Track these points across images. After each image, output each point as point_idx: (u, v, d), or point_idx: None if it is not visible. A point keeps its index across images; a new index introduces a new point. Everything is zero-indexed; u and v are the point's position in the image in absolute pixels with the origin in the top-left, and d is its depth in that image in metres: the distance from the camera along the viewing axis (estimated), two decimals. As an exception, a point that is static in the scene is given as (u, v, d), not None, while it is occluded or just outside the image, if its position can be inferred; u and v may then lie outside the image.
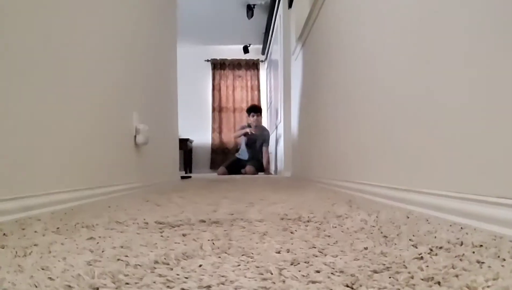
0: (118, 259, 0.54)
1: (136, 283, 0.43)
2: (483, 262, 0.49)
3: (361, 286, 0.41)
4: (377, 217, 0.92)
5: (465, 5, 0.86)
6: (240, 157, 5.66)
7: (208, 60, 7.17)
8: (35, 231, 0.77)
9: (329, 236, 0.71)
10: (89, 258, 0.55)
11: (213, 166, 6.84)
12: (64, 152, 1.26)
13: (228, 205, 1.27)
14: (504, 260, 0.50)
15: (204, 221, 0.88)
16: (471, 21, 0.84)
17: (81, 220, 0.89)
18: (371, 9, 1.51)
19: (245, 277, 0.45)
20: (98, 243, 0.66)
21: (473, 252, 0.55)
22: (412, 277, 0.44)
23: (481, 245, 0.59)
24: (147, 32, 2.32)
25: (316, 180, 2.63)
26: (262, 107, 7.13)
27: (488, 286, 0.39)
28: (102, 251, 0.59)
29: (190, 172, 6.54)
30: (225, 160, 6.17)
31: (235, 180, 3.42)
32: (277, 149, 5.55)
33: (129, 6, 1.97)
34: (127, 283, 0.43)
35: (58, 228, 0.81)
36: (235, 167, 5.55)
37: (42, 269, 0.49)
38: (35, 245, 0.64)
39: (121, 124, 1.81)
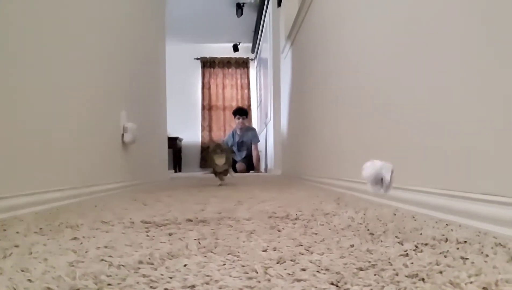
0: (102, 260, 0.53)
1: (118, 283, 0.42)
2: (466, 258, 0.50)
3: (346, 283, 0.41)
4: (364, 214, 0.92)
5: (445, 13, 0.87)
6: (235, 158, 5.65)
7: (197, 58, 7.13)
8: (17, 232, 0.76)
9: (316, 233, 0.71)
10: (71, 259, 0.54)
11: (203, 165, 6.81)
12: (49, 151, 1.24)
13: (216, 203, 1.27)
14: (487, 256, 0.51)
15: (191, 220, 0.87)
16: (450, 29, 0.84)
17: (65, 220, 0.88)
18: (352, 11, 1.51)
19: (230, 276, 0.45)
20: (81, 243, 0.65)
21: (457, 249, 0.55)
22: (397, 274, 0.44)
23: (465, 241, 0.60)
24: (135, 30, 2.30)
25: (306, 178, 2.63)
26: (251, 105, 7.14)
27: (470, 282, 0.40)
28: (86, 252, 0.58)
29: (180, 171, 6.51)
30: (215, 158, 6.15)
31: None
32: (267, 147, 5.55)
33: (117, 3, 1.94)
34: (109, 284, 0.42)
35: (41, 228, 0.79)
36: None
37: (22, 271, 0.48)
38: (16, 246, 0.62)
39: (109, 123, 1.79)
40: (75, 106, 1.43)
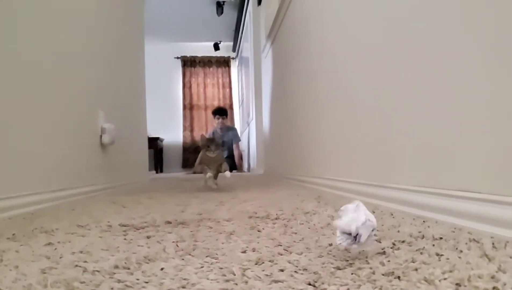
0: (76, 265, 0.52)
1: (92, 290, 0.41)
2: (442, 255, 0.50)
3: (323, 283, 0.41)
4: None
5: (421, 9, 0.88)
6: None
7: (178, 58, 7.07)
8: (-11, 239, 0.73)
9: (295, 233, 0.71)
10: (44, 265, 0.52)
11: (185, 165, 6.76)
12: (23, 154, 1.21)
13: (197, 205, 1.25)
14: (461, 252, 0.52)
15: (170, 223, 0.86)
16: (433, 28, 0.86)
17: (40, 225, 0.86)
18: (334, 9, 1.52)
19: (208, 279, 0.44)
20: (56, 249, 0.63)
21: (433, 245, 0.56)
22: (374, 273, 0.44)
23: (441, 238, 0.61)
24: (113, 29, 2.26)
25: (288, 177, 2.64)
26: (233, 105, 7.12)
27: (444, 279, 0.40)
28: (60, 258, 0.57)
29: (161, 172, 6.44)
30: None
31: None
32: (249, 147, 5.55)
33: (93, 2, 1.90)
34: (82, 291, 0.41)
35: (13, 234, 0.77)
36: None
37: (-9, 279, 0.46)
38: (-14, 253, 0.60)
39: (86, 124, 1.75)
40: (49, 107, 1.39)
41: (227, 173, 1.87)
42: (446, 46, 0.80)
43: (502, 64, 0.64)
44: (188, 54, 7.06)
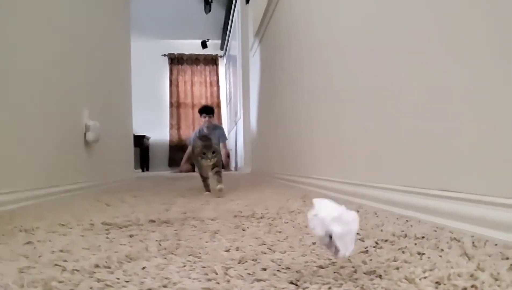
0: (55, 265, 0.50)
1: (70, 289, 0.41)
2: (423, 254, 0.51)
3: (305, 282, 0.41)
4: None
5: (408, 10, 0.89)
6: None
7: (165, 55, 7.00)
8: (-34, 237, 0.71)
9: (280, 232, 0.71)
10: (22, 264, 0.51)
11: (172, 163, 6.70)
12: (3, 151, 1.18)
13: (183, 203, 1.25)
14: (443, 250, 0.52)
15: (154, 221, 0.85)
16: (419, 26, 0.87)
17: (20, 224, 0.84)
18: (323, 6, 1.53)
19: (189, 278, 0.44)
20: (35, 248, 0.62)
21: (415, 244, 0.57)
22: (356, 271, 0.44)
23: (423, 237, 0.61)
24: (97, 25, 2.22)
25: (275, 176, 2.65)
26: (221, 103, 7.09)
27: (425, 277, 0.41)
28: (39, 257, 0.55)
29: (147, 170, 6.38)
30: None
31: (194, 178, 3.37)
32: (237, 146, 5.54)
33: (77, -4, 1.87)
34: (60, 291, 0.40)
35: (-8, 233, 0.75)
36: None
37: (-34, 279, 0.45)
38: (-38, 252, 0.58)
39: (70, 121, 1.72)
40: (31, 104, 1.36)
41: (220, 187, 1.52)
42: (430, 49, 0.81)
43: (482, 66, 0.65)
44: (176, 51, 7.00)
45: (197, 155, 1.55)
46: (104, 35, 2.36)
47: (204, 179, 1.67)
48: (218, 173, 1.57)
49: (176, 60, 7.02)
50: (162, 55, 7.00)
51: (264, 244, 0.60)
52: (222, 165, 1.76)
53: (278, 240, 0.63)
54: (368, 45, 1.11)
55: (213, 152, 1.52)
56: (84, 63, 1.95)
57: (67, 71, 1.71)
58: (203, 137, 1.60)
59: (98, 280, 0.44)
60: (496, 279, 0.39)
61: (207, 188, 1.66)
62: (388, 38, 0.99)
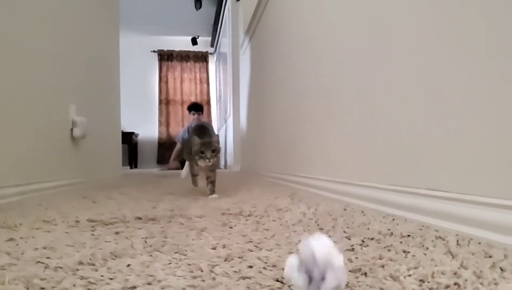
0: (38, 262, 0.50)
1: (53, 287, 0.40)
2: (408, 252, 0.51)
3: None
4: (316, 209, 0.93)
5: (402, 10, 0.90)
6: None
7: (154, 51, 6.93)
8: None
9: (267, 229, 0.71)
10: (4, 261, 0.50)
11: (161, 161, 6.65)
12: (-13, 146, 1.16)
13: (170, 201, 1.24)
14: (427, 249, 0.53)
15: (140, 219, 0.85)
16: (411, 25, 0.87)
17: (3, 220, 0.82)
18: (311, 5, 1.53)
19: (175, 275, 0.43)
20: (18, 244, 0.60)
21: (401, 242, 0.57)
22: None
23: (408, 235, 0.62)
24: (85, 20, 2.19)
25: (265, 174, 2.65)
26: (211, 101, 7.06)
27: (409, 275, 0.41)
28: (22, 254, 0.54)
29: (136, 167, 6.33)
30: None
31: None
32: (226, 144, 5.53)
33: (65, -10, 1.84)
34: (42, 288, 0.40)
35: (-26, 229, 0.73)
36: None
37: None
38: None
39: (56, 117, 1.70)
40: (16, 99, 1.34)
41: (214, 196, 1.34)
42: (421, 50, 0.81)
43: (470, 66, 0.66)
44: (165, 48, 6.94)
45: (194, 154, 1.33)
46: (91, 30, 2.33)
47: (195, 175, 1.57)
48: (212, 183, 1.40)
49: (165, 57, 6.96)
50: (151, 51, 6.93)
51: (251, 242, 0.60)
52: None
53: (265, 238, 0.63)
54: (358, 43, 1.12)
55: (213, 151, 1.31)
56: (71, 58, 1.92)
57: (53, 65, 1.68)
58: (201, 130, 1.41)
59: (82, 278, 0.43)
60: (479, 277, 0.40)
61: (195, 183, 1.59)
62: (380, 36, 1.00)
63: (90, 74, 2.25)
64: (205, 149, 1.30)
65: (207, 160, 1.30)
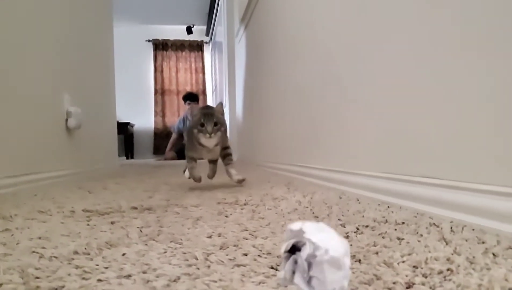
0: (33, 252, 0.50)
1: (48, 276, 0.40)
2: (402, 239, 0.52)
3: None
4: (311, 198, 0.94)
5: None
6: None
7: (149, 40, 6.87)
8: None
9: (262, 218, 0.71)
10: (-1, 252, 0.50)
11: (157, 151, 6.64)
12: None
13: (166, 191, 1.24)
14: (422, 236, 0.53)
15: (136, 208, 0.85)
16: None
17: (-3, 211, 0.82)
18: (310, -7, 1.52)
19: (170, 264, 0.43)
20: (13, 235, 0.60)
21: (395, 229, 0.58)
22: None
23: (403, 223, 0.62)
24: (78, 8, 2.16)
25: (261, 164, 2.65)
26: (207, 90, 7.03)
27: (403, 261, 0.41)
28: (17, 244, 0.54)
29: (132, 158, 6.32)
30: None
31: (179, 165, 3.36)
32: (222, 133, 5.50)
33: (57, -22, 1.81)
34: (37, 277, 0.40)
35: (-32, 220, 0.73)
36: (184, 153, 5.43)
37: None
38: None
39: (50, 107, 1.68)
40: (9, 89, 1.32)
41: (234, 173, 1.19)
42: (410, 40, 0.81)
43: (455, 56, 0.66)
44: (160, 37, 6.88)
45: (193, 126, 1.12)
46: (85, 18, 2.30)
47: (192, 159, 1.21)
48: (228, 157, 1.21)
49: (160, 46, 6.90)
50: (146, 40, 6.87)
51: (246, 230, 0.60)
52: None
53: (261, 226, 0.64)
54: (351, 31, 1.11)
55: (215, 124, 1.11)
56: (64, 47, 1.89)
57: (46, 55, 1.66)
58: (206, 113, 1.16)
59: (77, 267, 0.43)
60: (472, 263, 0.40)
61: (194, 174, 1.19)
62: (373, 23, 0.99)
63: (84, 64, 2.23)
64: (206, 120, 1.10)
65: (207, 135, 1.10)
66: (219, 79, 5.76)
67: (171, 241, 0.54)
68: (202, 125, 1.09)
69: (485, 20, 0.61)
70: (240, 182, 1.22)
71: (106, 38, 2.84)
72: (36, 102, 1.53)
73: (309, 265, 0.29)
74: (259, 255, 0.46)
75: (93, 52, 2.46)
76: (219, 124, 1.13)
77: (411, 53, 0.82)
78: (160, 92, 6.83)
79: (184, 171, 1.49)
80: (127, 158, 6.09)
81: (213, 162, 1.34)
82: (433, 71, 0.74)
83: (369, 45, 1.01)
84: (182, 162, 4.39)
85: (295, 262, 0.30)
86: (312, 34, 1.50)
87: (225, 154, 1.22)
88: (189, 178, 1.28)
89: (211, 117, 1.11)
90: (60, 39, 1.83)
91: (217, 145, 1.17)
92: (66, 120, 1.84)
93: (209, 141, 1.12)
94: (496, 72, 0.59)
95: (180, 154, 5.28)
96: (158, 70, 6.86)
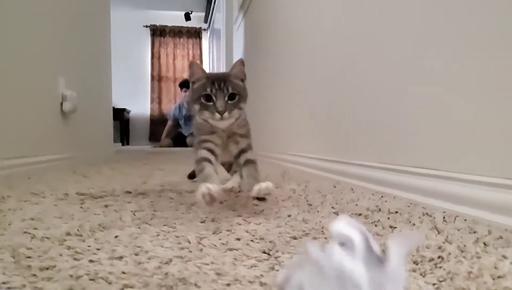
0: (25, 232, 0.49)
1: (39, 256, 0.40)
2: (395, 227, 0.52)
3: (277, 251, 0.42)
4: (305, 186, 0.94)
5: None
6: (183, 132, 5.52)
7: (147, 26, 6.79)
8: None
9: (257, 205, 0.71)
10: (-10, 232, 0.50)
11: (153, 138, 6.61)
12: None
13: (161, 177, 1.24)
14: (414, 225, 0.54)
15: (130, 193, 0.84)
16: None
17: (-10, 192, 0.81)
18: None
19: (162, 247, 0.43)
20: (5, 215, 0.60)
21: (388, 218, 0.58)
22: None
23: (396, 212, 0.63)
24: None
25: (258, 153, 2.64)
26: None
27: (394, 249, 0.41)
28: (9, 224, 0.54)
29: (127, 144, 6.29)
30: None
31: (174, 152, 3.35)
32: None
33: (53, -42, 1.77)
34: (28, 257, 0.39)
35: (-40, 200, 0.73)
36: (180, 140, 5.41)
37: None
38: None
39: (45, 90, 1.66)
40: (6, 72, 1.30)
41: (264, 186, 0.63)
42: (405, 32, 0.80)
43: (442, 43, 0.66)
44: (158, 23, 6.80)
45: (194, 100, 0.71)
46: (81, 1, 2.26)
47: (202, 161, 0.71)
48: (250, 164, 0.74)
49: (158, 32, 6.83)
50: (144, 26, 6.79)
51: (240, 216, 0.60)
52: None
53: (255, 213, 0.64)
54: (350, 20, 1.10)
55: (231, 97, 0.70)
56: (60, 29, 1.87)
57: (41, 36, 1.64)
58: (216, 76, 0.74)
59: (69, 248, 0.43)
60: (462, 251, 0.41)
61: (206, 181, 0.61)
62: (371, 12, 0.98)
63: (80, 48, 2.20)
64: (215, 88, 0.69)
65: (218, 115, 0.68)
66: (217, 67, 5.72)
67: (164, 225, 0.54)
68: (209, 96, 0.68)
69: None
70: (262, 196, 0.64)
71: (103, 23, 2.80)
72: (31, 85, 1.51)
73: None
74: (251, 240, 0.46)
75: (90, 36, 2.43)
76: (237, 97, 0.71)
77: (401, 42, 0.81)
78: (157, 78, 6.78)
79: (190, 175, 1.14)
80: (123, 144, 6.07)
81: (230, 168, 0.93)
82: (426, 63, 0.74)
83: (368, 34, 1.00)
84: (178, 149, 4.38)
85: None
86: (309, 23, 1.48)
87: (247, 160, 0.75)
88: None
89: (222, 83, 0.69)
90: (55, 22, 1.81)
91: (233, 135, 0.75)
92: (61, 103, 1.82)
93: (217, 120, 0.68)
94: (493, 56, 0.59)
95: (175, 141, 5.27)
96: (155, 57, 6.79)
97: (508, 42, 0.56)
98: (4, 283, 0.32)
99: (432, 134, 0.73)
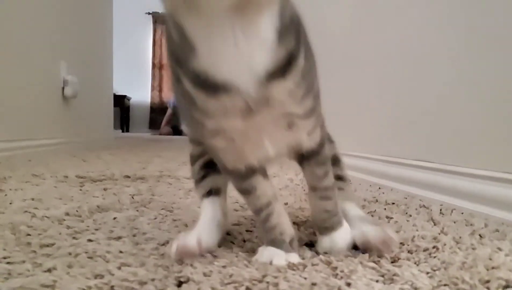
0: (25, 211, 0.50)
1: (39, 234, 0.40)
2: (391, 218, 0.52)
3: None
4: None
5: None
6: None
7: (149, 13, 6.75)
8: None
9: (255, 193, 0.72)
10: (-10, 210, 0.50)
11: (153, 126, 6.60)
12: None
13: (159, 163, 1.24)
14: (411, 216, 0.54)
15: (129, 177, 0.85)
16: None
17: (-10, 172, 0.82)
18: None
19: (159, 229, 0.44)
20: (6, 195, 0.61)
21: (385, 209, 0.58)
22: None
23: (393, 203, 0.63)
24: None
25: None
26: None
27: (390, 238, 0.42)
28: (10, 203, 0.55)
29: (127, 131, 6.29)
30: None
31: (173, 140, 3.35)
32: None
33: None
34: (28, 234, 0.40)
35: (-40, 179, 0.73)
36: (179, 129, 5.41)
37: None
38: None
39: (47, 74, 1.66)
40: (6, 55, 1.30)
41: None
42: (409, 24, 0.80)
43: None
44: (160, 10, 6.74)
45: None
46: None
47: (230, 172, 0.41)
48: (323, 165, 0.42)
49: (160, 20, 6.78)
50: (146, 13, 6.74)
51: (237, 203, 0.61)
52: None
53: (252, 200, 0.64)
54: (350, 15, 1.10)
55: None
56: (62, 14, 1.85)
57: (44, 20, 1.63)
58: None
59: (68, 227, 0.43)
60: (458, 242, 0.41)
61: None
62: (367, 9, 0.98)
63: (82, 34, 2.19)
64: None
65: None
66: (219, 57, 5.68)
67: (162, 209, 0.54)
68: None
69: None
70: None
71: (105, 9, 2.78)
72: (33, 69, 1.51)
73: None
74: (248, 227, 0.47)
75: (92, 23, 2.42)
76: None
77: (402, 33, 0.81)
78: (158, 66, 6.75)
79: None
80: (123, 131, 6.06)
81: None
82: (430, 57, 0.74)
83: (364, 22, 1.00)
84: (177, 137, 4.38)
85: None
86: (314, 12, 1.47)
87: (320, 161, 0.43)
88: None
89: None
90: (58, 6, 1.79)
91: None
92: (63, 88, 1.82)
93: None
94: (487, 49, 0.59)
95: (175, 129, 5.27)
96: (157, 44, 6.76)
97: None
98: (4, 258, 0.33)
99: (430, 127, 0.73)
